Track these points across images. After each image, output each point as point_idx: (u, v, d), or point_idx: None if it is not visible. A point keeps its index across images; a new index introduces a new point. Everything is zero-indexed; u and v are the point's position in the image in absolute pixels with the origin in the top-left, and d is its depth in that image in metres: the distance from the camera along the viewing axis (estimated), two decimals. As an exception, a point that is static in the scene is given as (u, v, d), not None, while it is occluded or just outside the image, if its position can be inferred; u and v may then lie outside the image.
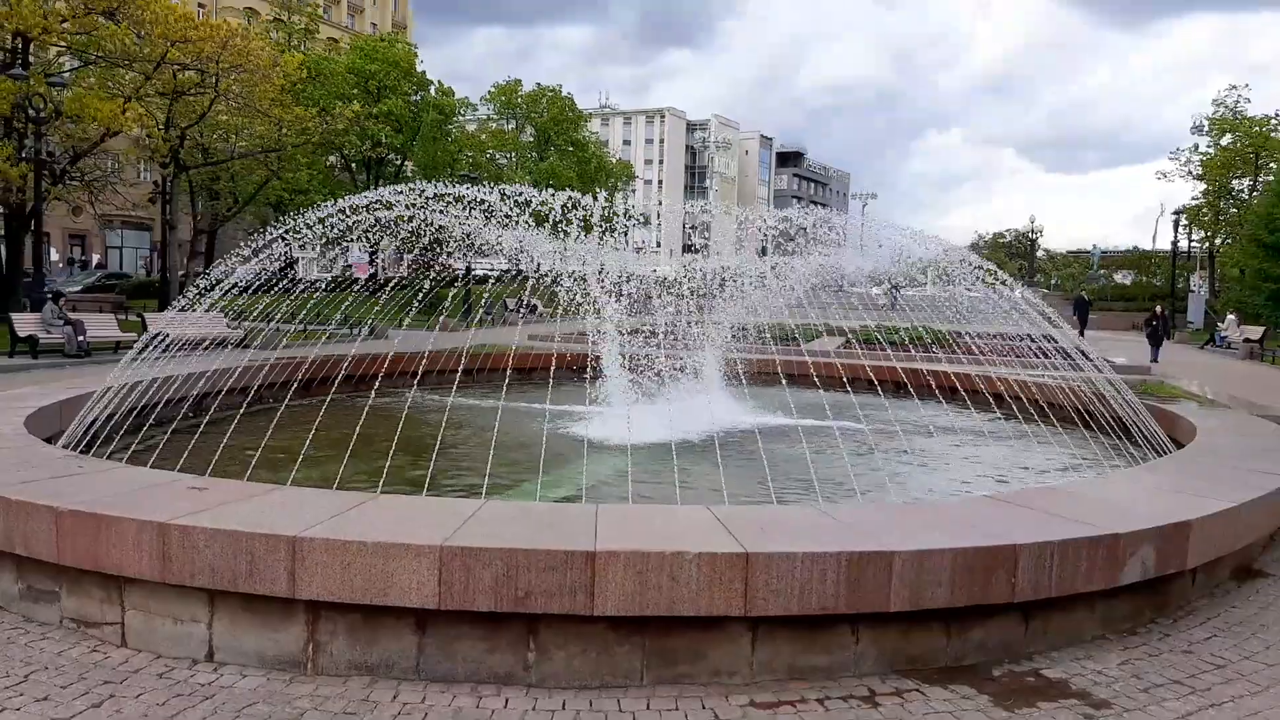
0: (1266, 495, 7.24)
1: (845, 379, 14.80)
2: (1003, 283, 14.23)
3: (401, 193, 13.47)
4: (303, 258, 65.46)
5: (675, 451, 9.38)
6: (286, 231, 12.80)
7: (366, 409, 10.73)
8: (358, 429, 9.47)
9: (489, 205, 14.44)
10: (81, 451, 8.13)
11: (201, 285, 11.34)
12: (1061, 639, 6.00)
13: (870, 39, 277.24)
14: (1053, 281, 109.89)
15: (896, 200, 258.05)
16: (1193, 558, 6.37)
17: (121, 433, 9.16)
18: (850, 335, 27.84)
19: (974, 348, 18.80)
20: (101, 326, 22.94)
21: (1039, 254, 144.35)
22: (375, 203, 13.58)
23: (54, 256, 61.21)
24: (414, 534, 5.16)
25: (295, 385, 14.31)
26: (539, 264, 15.08)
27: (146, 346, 19.75)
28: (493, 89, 65.69)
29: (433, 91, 54.09)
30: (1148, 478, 8.01)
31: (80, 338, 20.84)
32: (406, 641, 5.22)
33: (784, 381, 13.26)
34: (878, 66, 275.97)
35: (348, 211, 13.24)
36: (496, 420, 10.42)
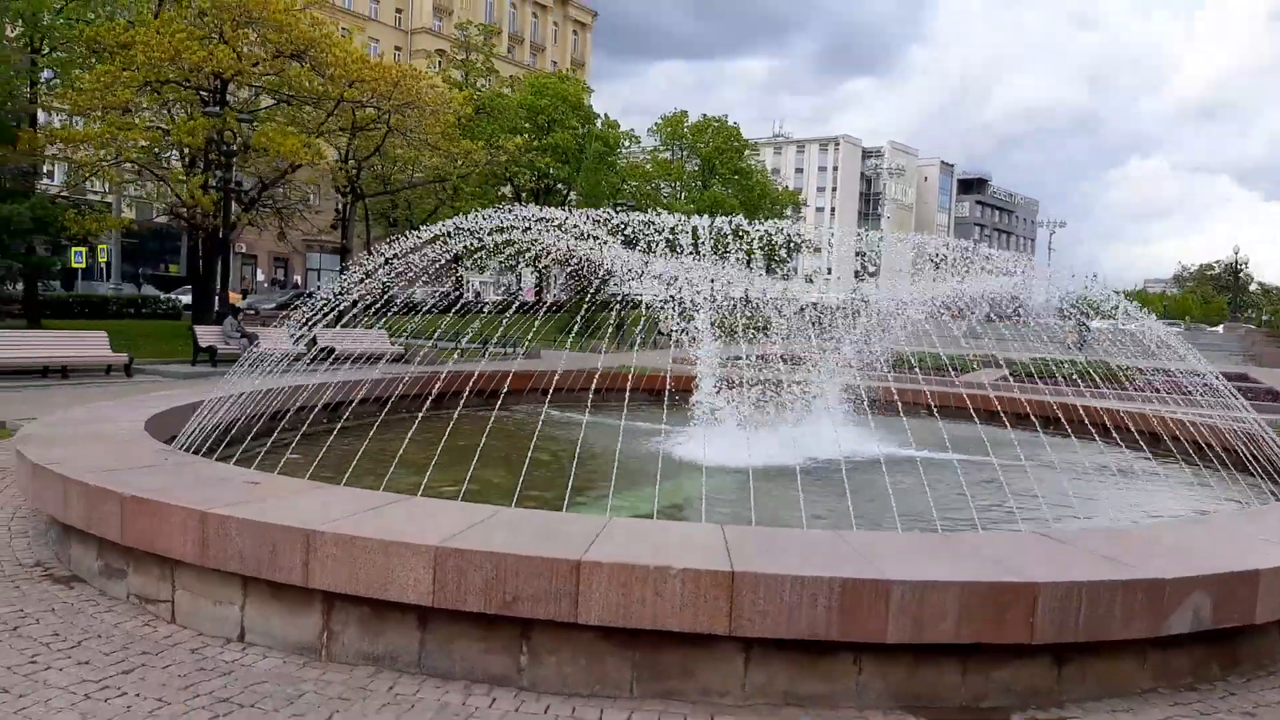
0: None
1: (995, 413, 14.17)
2: (1179, 320, 13.29)
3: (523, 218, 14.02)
4: (478, 281, 68.88)
5: (758, 476, 9.33)
6: (409, 251, 13.56)
7: (490, 422, 11.17)
8: (463, 440, 9.95)
9: (644, 231, 14.73)
10: (195, 451, 8.95)
11: (366, 304, 12.12)
12: (1102, 688, 5.58)
13: (1065, 62, 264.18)
14: (1264, 317, 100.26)
15: (1092, 230, 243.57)
16: (1263, 612, 5.76)
17: (231, 436, 10.00)
18: (1012, 368, 26.62)
19: (1149, 385, 17.58)
20: (276, 340, 24.98)
21: (1253, 287, 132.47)
22: (513, 227, 14.23)
23: (260, 277, 67.22)
24: (418, 534, 5.42)
25: (426, 398, 15.07)
26: (679, 289, 15.34)
27: (314, 358, 21.33)
28: (659, 120, 67.12)
29: (599, 124, 55.85)
30: (1248, 525, 7.29)
31: (254, 349, 22.78)
32: (410, 636, 5.49)
33: (929, 413, 12.85)
34: (1073, 90, 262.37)
35: (486, 232, 13.96)
36: (616, 439, 10.58)
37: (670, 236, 14.61)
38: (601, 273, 16.87)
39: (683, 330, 15.23)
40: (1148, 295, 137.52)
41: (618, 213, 14.96)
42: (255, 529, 5.58)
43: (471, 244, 14.42)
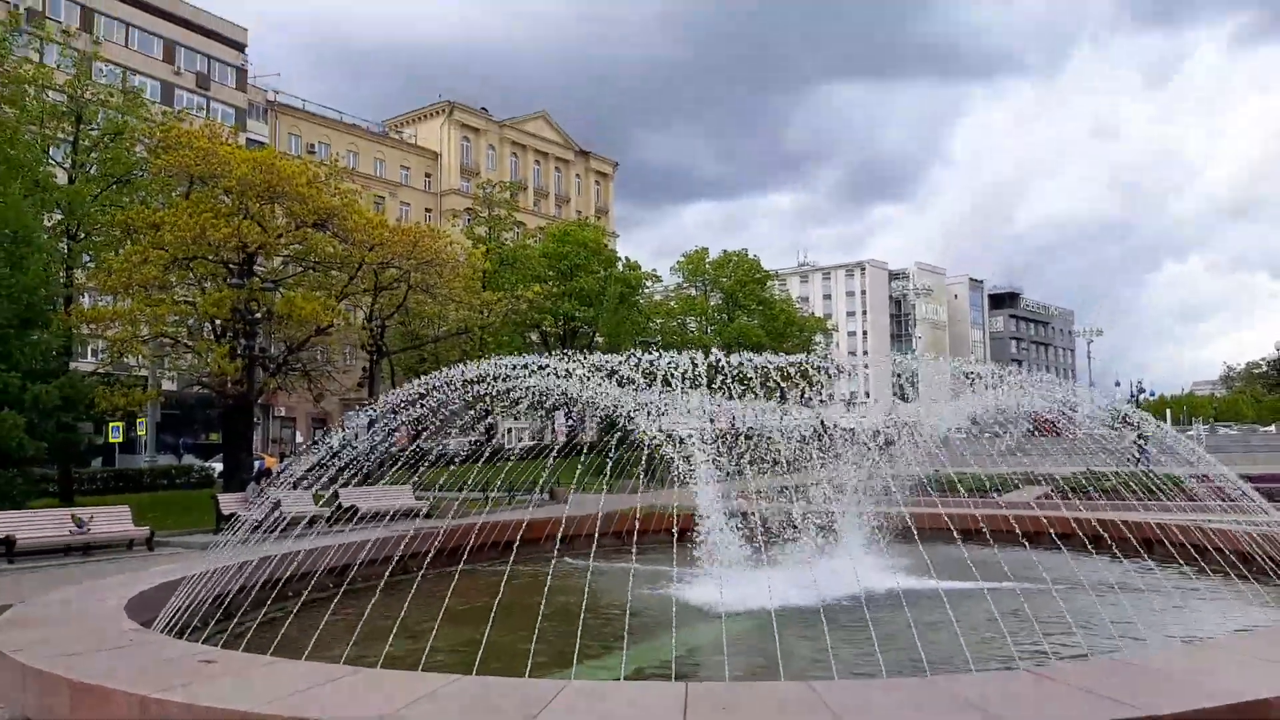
0: None
1: (1035, 533, 13.61)
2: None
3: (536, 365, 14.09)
4: (510, 427, 69.16)
5: (781, 621, 8.91)
6: (419, 398, 13.61)
7: (502, 579, 10.86)
8: (468, 599, 9.66)
9: (663, 369, 14.71)
10: (183, 626, 8.76)
11: (391, 459, 12.09)
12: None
13: (1090, 172, 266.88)
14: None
15: (1134, 335, 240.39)
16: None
17: (225, 609, 9.81)
18: (1056, 484, 25.81)
19: (1202, 494, 16.86)
20: (300, 503, 24.97)
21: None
22: (523, 369, 14.32)
23: (299, 438, 68.02)
24: (356, 709, 5.15)
25: (431, 555, 14.83)
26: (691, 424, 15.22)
27: (334, 519, 21.23)
28: (681, 259, 68.61)
29: (620, 267, 57.14)
30: (1259, 645, 6.74)
31: (275, 513, 22.77)
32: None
33: (962, 538, 12.32)
34: (1100, 199, 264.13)
35: (497, 379, 14.06)
36: (627, 587, 10.25)
37: (689, 373, 14.61)
38: (624, 414, 16.81)
39: (688, 467, 14.99)
40: (1196, 399, 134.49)
41: (639, 352, 14.98)
42: (191, 712, 5.35)
43: (498, 391, 14.51)
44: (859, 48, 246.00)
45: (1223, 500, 15.77)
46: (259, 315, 26.07)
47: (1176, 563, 13.33)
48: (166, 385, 42.94)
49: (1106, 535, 14.37)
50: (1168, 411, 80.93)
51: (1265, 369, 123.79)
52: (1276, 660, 6.14)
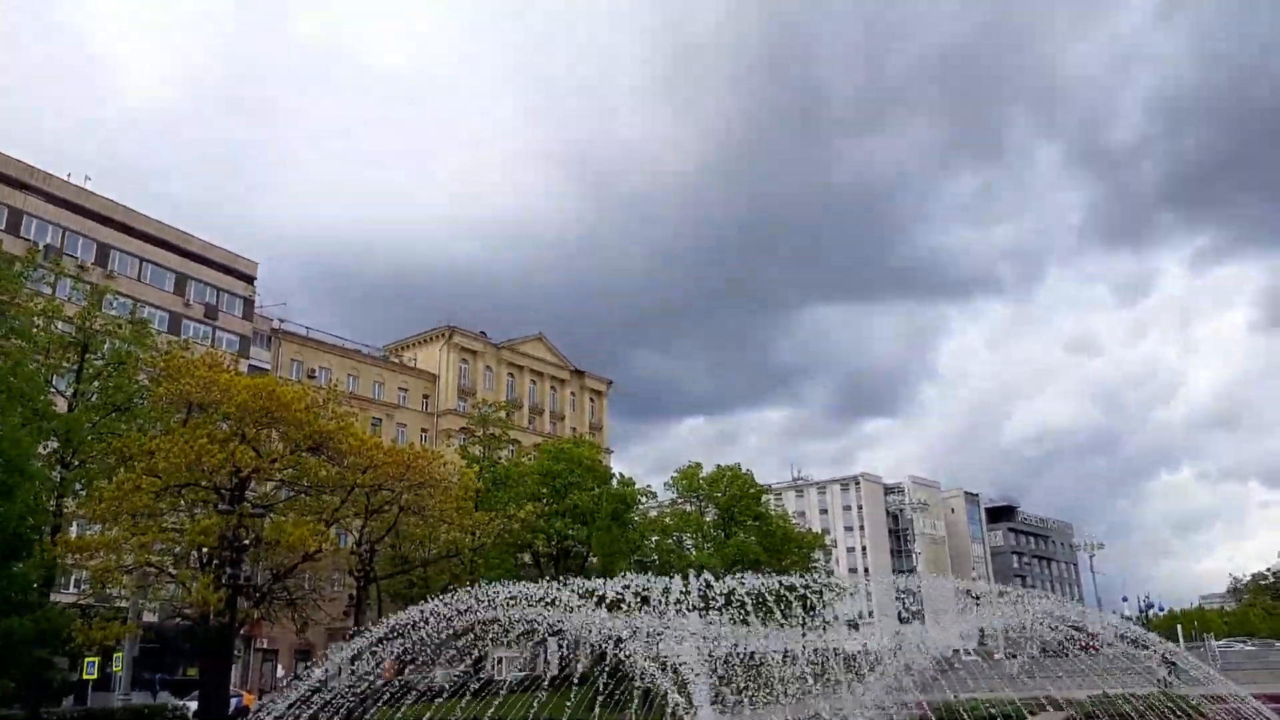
0: None
1: None
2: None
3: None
4: (500, 656, 66.39)
5: None
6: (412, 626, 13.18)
7: None
8: None
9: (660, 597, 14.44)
10: None
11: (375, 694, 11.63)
12: None
13: (1072, 386, 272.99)
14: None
15: (1136, 547, 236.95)
16: None
17: None
18: (1076, 708, 24.63)
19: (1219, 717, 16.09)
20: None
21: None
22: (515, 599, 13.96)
23: (280, 672, 64.85)
24: None
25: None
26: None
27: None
28: (675, 474, 68.49)
29: (614, 483, 56.97)
30: None
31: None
32: None
33: None
34: (1085, 412, 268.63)
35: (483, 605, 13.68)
36: None
37: (682, 599, 14.32)
38: (616, 644, 16.29)
39: (684, 699, 14.34)
40: (1207, 613, 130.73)
41: (633, 574, 14.71)
42: None
43: (487, 621, 14.12)
44: (840, 274, 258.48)
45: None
46: (247, 542, 25.69)
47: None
48: (147, 616, 41.48)
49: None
50: (1179, 627, 78.33)
51: (1272, 579, 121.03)
52: None
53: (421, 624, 13.02)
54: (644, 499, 62.59)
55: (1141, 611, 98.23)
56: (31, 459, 23.91)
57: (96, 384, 31.54)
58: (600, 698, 19.24)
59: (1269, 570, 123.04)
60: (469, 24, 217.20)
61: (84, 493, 28.82)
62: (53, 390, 30.82)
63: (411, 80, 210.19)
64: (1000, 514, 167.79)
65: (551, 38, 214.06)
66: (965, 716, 20.34)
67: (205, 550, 28.81)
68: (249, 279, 73.82)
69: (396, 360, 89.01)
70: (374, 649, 12.86)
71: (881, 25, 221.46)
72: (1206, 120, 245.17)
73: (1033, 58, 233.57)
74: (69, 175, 63.31)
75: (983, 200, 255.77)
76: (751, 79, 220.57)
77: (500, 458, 58.31)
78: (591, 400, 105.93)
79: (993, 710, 23.46)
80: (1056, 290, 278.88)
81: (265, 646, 63.44)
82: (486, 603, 13.93)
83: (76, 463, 29.31)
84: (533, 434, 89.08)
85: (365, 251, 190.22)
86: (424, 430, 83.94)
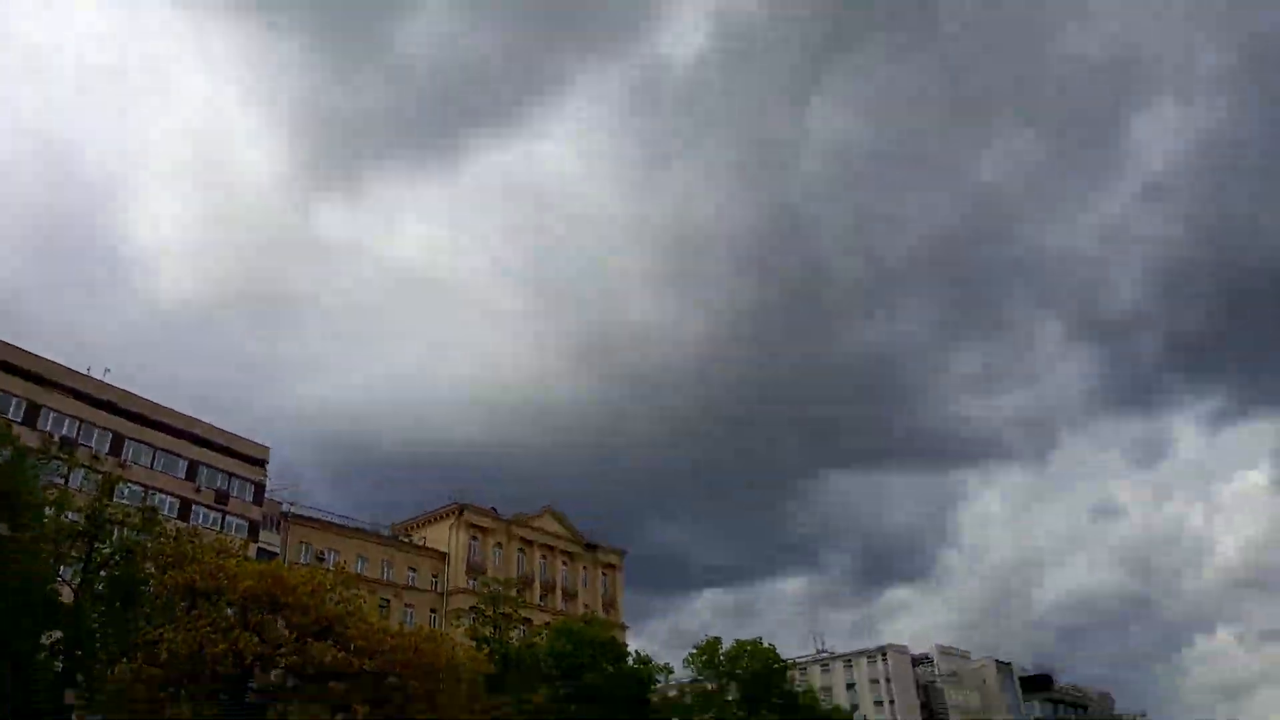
0: None
1: None
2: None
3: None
4: None
5: None
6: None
7: None
8: None
9: None
10: None
11: None
12: None
13: (1099, 551, 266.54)
14: None
15: (1181, 716, 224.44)
16: None
17: None
18: None
19: None
20: None
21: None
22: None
23: None
24: None
25: None
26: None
27: None
28: (694, 650, 66.28)
29: (630, 660, 54.96)
30: None
31: None
32: None
33: None
34: (1115, 578, 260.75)
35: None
36: None
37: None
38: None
39: None
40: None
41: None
42: None
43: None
44: (852, 444, 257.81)
45: None
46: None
47: None
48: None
49: None
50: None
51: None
52: None
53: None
54: (662, 677, 60.21)
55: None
56: (37, 654, 23.41)
57: (103, 573, 31.22)
58: None
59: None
60: (486, 223, 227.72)
61: (84, 684, 27.99)
62: (60, 579, 30.51)
63: (430, 271, 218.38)
64: (1036, 683, 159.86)
65: (564, 233, 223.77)
66: None
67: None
68: (260, 463, 74.10)
69: (406, 539, 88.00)
70: None
71: (874, 214, 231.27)
72: (1201, 291, 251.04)
73: (1023, 238, 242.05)
74: (89, 369, 64.90)
75: (989, 371, 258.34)
76: (753, 263, 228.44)
77: (511, 637, 56.59)
78: (604, 574, 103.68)
79: None
80: (1072, 455, 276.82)
81: None
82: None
83: (79, 653, 28.62)
84: (544, 612, 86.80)
85: (377, 432, 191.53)
86: (433, 610, 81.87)
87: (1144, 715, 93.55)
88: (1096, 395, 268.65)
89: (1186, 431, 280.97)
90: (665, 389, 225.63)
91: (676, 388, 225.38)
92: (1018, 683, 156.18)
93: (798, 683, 73.66)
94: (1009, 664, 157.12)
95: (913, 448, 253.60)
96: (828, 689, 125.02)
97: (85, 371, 64.31)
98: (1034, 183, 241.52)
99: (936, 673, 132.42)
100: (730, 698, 64.19)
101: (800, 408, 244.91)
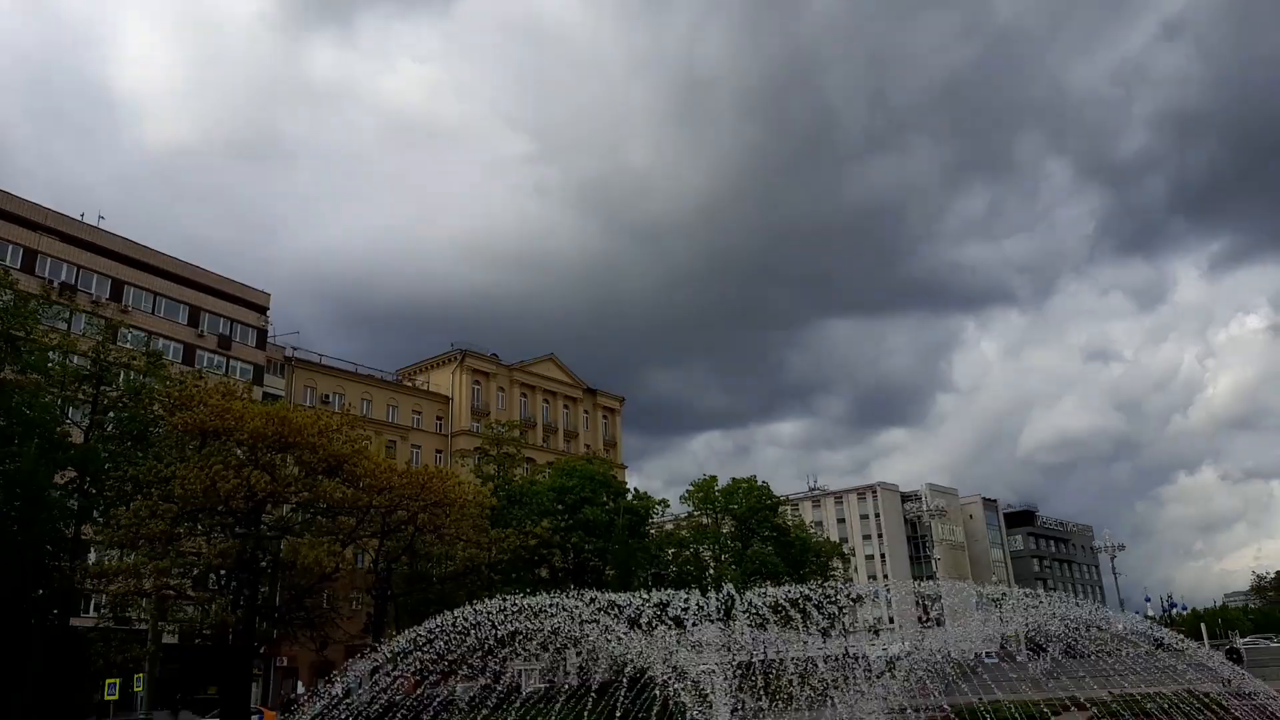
0: None
1: None
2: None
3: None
4: (523, 669, 66.28)
5: None
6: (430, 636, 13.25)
7: None
8: None
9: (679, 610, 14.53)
10: None
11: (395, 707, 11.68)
12: None
13: (1091, 393, 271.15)
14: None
15: (1157, 549, 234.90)
16: None
17: None
18: (1096, 709, 24.43)
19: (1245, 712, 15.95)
20: (298, 763, 23.65)
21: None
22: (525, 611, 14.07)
23: (300, 689, 64.94)
24: None
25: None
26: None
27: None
28: (690, 487, 68.52)
29: (629, 497, 56.93)
30: None
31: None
32: None
33: None
34: (1104, 419, 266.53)
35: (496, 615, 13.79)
36: None
37: (702, 610, 14.43)
38: (636, 655, 16.34)
39: (705, 708, 14.33)
40: (1230, 611, 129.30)
41: (651, 587, 14.81)
42: None
43: (505, 633, 14.22)
44: (852, 290, 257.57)
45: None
46: (264, 564, 25.86)
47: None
48: (167, 638, 41.70)
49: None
50: (1202, 626, 77.51)
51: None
52: None
53: (440, 636, 13.10)
54: (659, 510, 62.56)
55: (1165, 611, 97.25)
56: (48, 489, 24.19)
57: (112, 415, 31.84)
58: (620, 708, 19.27)
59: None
60: (483, 64, 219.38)
61: (101, 520, 29.10)
62: (68, 422, 31.15)
63: (426, 116, 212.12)
64: (1019, 519, 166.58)
65: (564, 75, 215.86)
66: (988, 718, 20.22)
67: (223, 573, 29.00)
68: (261, 309, 74.41)
69: (410, 384, 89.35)
70: (393, 662, 12.96)
71: (885, 53, 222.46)
72: (1214, 134, 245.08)
73: (1037, 78, 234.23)
74: (83, 215, 64.20)
75: (994, 215, 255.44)
76: (758, 108, 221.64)
77: (515, 476, 58.41)
78: (605, 418, 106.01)
79: (1015, 712, 23.28)
80: (1071, 300, 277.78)
81: (285, 664, 63.53)
82: (505, 615, 14.01)
83: (94, 491, 29.60)
84: (547, 452, 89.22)
85: (377, 280, 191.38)
86: (438, 451, 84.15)
87: (1122, 547, 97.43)
88: (1100, 238, 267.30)
89: (1187, 275, 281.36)
90: (667, 237, 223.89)
91: (678, 235, 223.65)
92: (1002, 518, 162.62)
93: (790, 518, 76.44)
94: (994, 500, 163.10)
95: (913, 294, 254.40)
96: (818, 524, 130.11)
97: (79, 218, 63.69)
98: (1050, 21, 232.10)
99: (924, 508, 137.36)
100: (725, 531, 66.84)
101: (803, 255, 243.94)
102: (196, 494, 26.38)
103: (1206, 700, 19.10)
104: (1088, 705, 24.92)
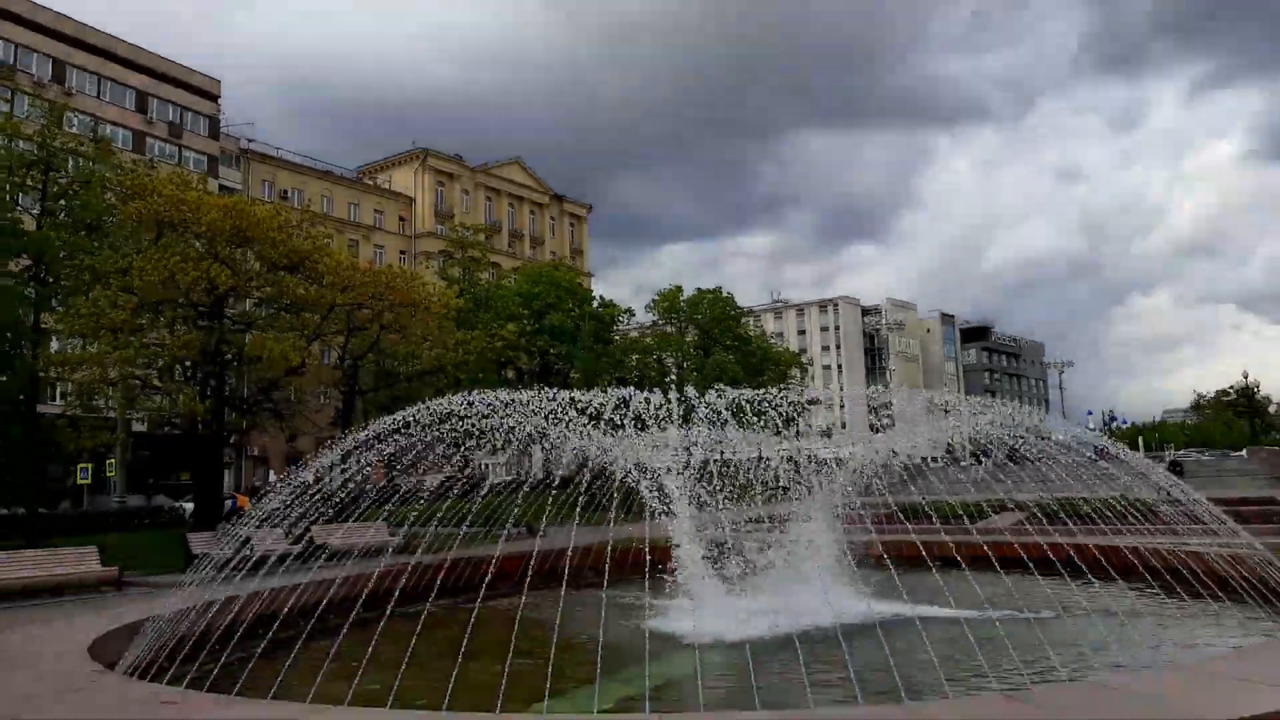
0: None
1: (1009, 559, 13.68)
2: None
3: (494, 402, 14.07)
4: (489, 463, 68.67)
5: (756, 651, 8.93)
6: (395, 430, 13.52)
7: (474, 614, 10.74)
8: (442, 633, 9.55)
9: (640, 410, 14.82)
10: (147, 668, 8.57)
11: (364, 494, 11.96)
12: None
13: (1057, 214, 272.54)
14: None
15: (1105, 368, 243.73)
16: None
17: (190, 649, 9.62)
18: (1030, 510, 25.87)
19: (1175, 518, 16.92)
20: (272, 542, 24.59)
21: (1272, 409, 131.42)
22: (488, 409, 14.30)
23: (271, 478, 67.18)
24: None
25: (403, 591, 14.58)
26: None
27: (306, 556, 20.91)
28: (656, 297, 68.92)
29: (595, 305, 57.21)
30: (1237, 665, 6.79)
31: (248, 553, 22.40)
32: None
33: (936, 566, 12.40)
34: (1068, 239, 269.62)
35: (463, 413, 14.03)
36: (600, 619, 10.19)
37: (663, 411, 14.75)
38: (599, 452, 16.80)
39: (664, 501, 14.92)
40: (1168, 426, 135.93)
41: (614, 388, 15.10)
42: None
43: (472, 427, 14.49)
44: (828, 99, 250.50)
45: (1195, 524, 15.87)
46: (229, 356, 25.89)
47: (1151, 586, 13.43)
48: (136, 426, 42.39)
49: (1081, 561, 14.40)
50: (1140, 439, 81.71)
51: (1234, 396, 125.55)
52: (1248, 679, 6.17)
53: (409, 428, 13.32)
54: (624, 319, 63.12)
55: (1105, 424, 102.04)
56: (3, 276, 23.65)
57: (63, 202, 30.77)
58: (581, 500, 19.99)
59: (1231, 388, 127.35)
60: None
61: (60, 309, 28.73)
62: (20, 209, 30.11)
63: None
64: (975, 334, 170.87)
65: None
66: (930, 514, 21.29)
67: (188, 364, 29.08)
68: (213, 97, 71.05)
69: (370, 182, 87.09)
70: (362, 451, 13.22)
71: None
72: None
73: None
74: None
75: (976, 28, 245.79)
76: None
77: (480, 280, 58.20)
78: (571, 226, 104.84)
79: (956, 510, 24.57)
80: (1047, 119, 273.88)
81: (257, 454, 65.34)
82: (470, 407, 14.23)
83: (50, 279, 29.03)
84: (512, 258, 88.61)
85: (336, 71, 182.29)
86: (402, 253, 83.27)
87: (1070, 363, 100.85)
88: (1082, 56, 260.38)
89: (1165, 99, 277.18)
90: (636, 40, 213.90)
91: (652, 37, 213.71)
92: (958, 333, 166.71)
93: (752, 329, 77.62)
94: (952, 316, 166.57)
95: (888, 108, 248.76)
96: (779, 335, 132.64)
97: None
98: None
99: (883, 322, 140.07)
100: (688, 340, 67.87)
101: (780, 63, 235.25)
102: (156, 286, 25.95)
103: (1139, 505, 20.30)
104: (1026, 506, 26.43)
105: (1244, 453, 71.76)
